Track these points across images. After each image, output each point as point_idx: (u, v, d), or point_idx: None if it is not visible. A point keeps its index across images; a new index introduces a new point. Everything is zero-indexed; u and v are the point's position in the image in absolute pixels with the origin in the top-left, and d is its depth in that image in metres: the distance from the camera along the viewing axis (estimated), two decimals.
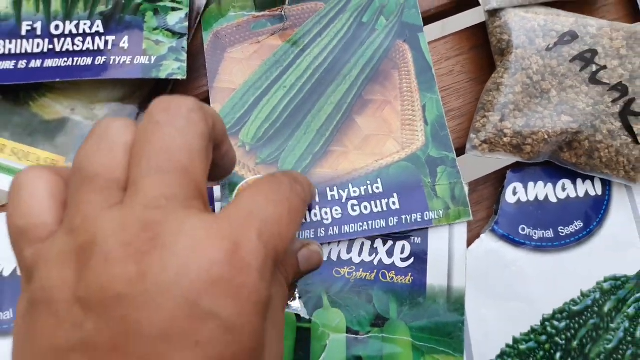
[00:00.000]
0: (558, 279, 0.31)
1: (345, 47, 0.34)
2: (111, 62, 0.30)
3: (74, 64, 0.30)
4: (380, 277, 0.30)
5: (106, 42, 0.30)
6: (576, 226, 0.32)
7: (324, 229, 0.30)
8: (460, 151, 0.33)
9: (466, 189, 0.32)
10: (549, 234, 0.32)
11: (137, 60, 0.30)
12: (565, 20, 0.33)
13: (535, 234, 0.31)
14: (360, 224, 0.31)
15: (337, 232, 0.30)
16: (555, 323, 0.30)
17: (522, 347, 0.30)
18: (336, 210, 0.31)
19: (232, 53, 0.34)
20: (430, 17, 0.37)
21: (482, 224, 0.33)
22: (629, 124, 0.32)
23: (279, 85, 0.33)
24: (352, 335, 0.29)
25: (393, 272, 0.30)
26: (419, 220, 0.31)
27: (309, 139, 0.32)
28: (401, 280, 0.30)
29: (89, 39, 0.30)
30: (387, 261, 0.30)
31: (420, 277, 0.30)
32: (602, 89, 0.32)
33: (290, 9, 0.35)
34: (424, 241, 0.31)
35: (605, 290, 0.31)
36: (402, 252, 0.31)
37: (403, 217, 0.31)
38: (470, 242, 0.31)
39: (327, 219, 0.30)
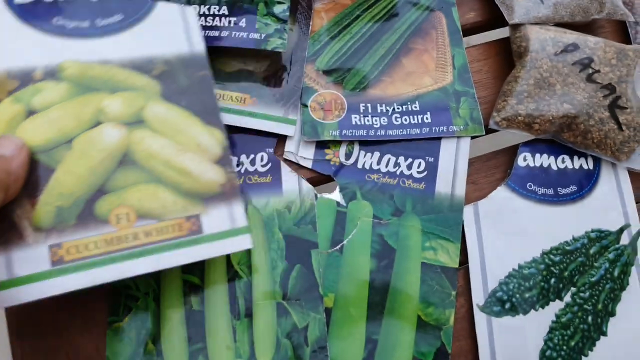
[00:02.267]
0: (555, 225, 0.40)
1: (397, 10, 0.47)
2: (232, 35, 0.41)
3: (206, 34, 0.40)
4: (401, 183, 0.40)
5: (229, 21, 0.41)
6: (571, 189, 0.41)
7: (373, 130, 0.41)
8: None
9: (481, 114, 0.43)
10: (550, 191, 0.41)
11: (251, 35, 0.41)
12: (570, 35, 0.44)
13: (539, 190, 0.41)
14: (401, 130, 0.41)
15: (384, 134, 0.41)
16: (552, 256, 0.39)
17: (525, 271, 0.39)
18: (383, 119, 0.42)
19: (317, 6, 0.46)
20: (468, 30, 0.48)
21: (499, 181, 0.42)
22: (616, 115, 0.42)
23: (347, 31, 0.45)
24: (377, 220, 0.39)
25: (410, 180, 0.40)
26: (445, 131, 0.42)
27: (367, 70, 0.44)
28: (416, 186, 0.40)
29: (217, 18, 0.41)
30: (406, 172, 0.40)
31: (431, 185, 0.40)
32: (596, 87, 0.42)
33: None
34: (436, 160, 0.41)
35: (592, 238, 0.40)
36: (418, 167, 0.41)
37: (433, 128, 0.42)
38: (489, 193, 0.41)
39: (377, 124, 0.41)
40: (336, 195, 0.40)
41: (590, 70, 0.42)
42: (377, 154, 0.41)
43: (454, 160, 0.41)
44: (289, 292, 0.36)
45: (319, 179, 0.41)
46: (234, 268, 0.36)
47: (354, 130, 0.41)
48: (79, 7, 0.37)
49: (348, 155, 0.41)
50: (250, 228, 0.37)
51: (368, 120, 0.42)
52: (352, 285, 0.37)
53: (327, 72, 0.43)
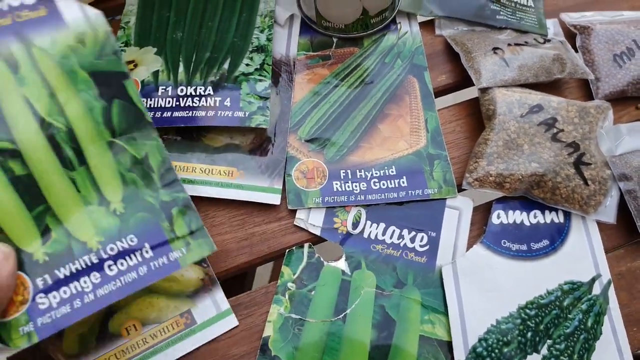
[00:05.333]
0: (530, 279, 0.42)
1: (372, 78, 0.50)
2: (219, 114, 0.43)
3: (193, 114, 0.43)
4: (404, 256, 0.42)
5: (215, 101, 0.44)
6: (544, 243, 0.44)
7: (353, 196, 0.44)
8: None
9: (454, 176, 0.46)
10: (524, 247, 0.44)
11: (236, 114, 0.44)
12: (535, 96, 0.47)
13: (513, 246, 0.43)
14: (380, 194, 0.44)
15: (363, 199, 0.44)
16: (527, 311, 0.41)
17: (503, 326, 0.41)
18: (363, 184, 0.44)
19: (297, 78, 0.49)
20: (440, 92, 0.51)
21: (476, 238, 0.45)
22: (581, 171, 0.44)
23: (326, 101, 0.48)
24: (379, 291, 0.41)
25: (413, 253, 0.42)
26: (420, 194, 0.44)
27: (345, 137, 0.47)
28: (418, 259, 0.42)
29: (203, 98, 0.44)
30: (409, 245, 0.43)
31: (432, 259, 0.43)
32: (561, 145, 0.45)
33: (335, 51, 0.51)
34: (438, 235, 0.43)
35: (565, 291, 0.43)
36: (421, 240, 0.43)
37: (409, 191, 0.44)
38: (466, 250, 0.43)
39: (357, 190, 0.44)
40: (342, 264, 0.42)
41: (555, 130, 0.45)
42: (382, 225, 0.44)
43: (454, 236, 0.44)
44: (117, 128, 0.34)
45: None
46: (46, 120, 0.32)
47: (335, 197, 0.44)
48: None
49: (355, 225, 0.44)
50: (226, 313, 0.40)
51: (348, 187, 0.44)
52: (353, 354, 0.39)
53: (309, 141, 0.46)
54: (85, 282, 0.32)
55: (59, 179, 0.32)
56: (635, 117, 0.51)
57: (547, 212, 0.45)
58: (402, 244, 0.43)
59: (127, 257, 0.33)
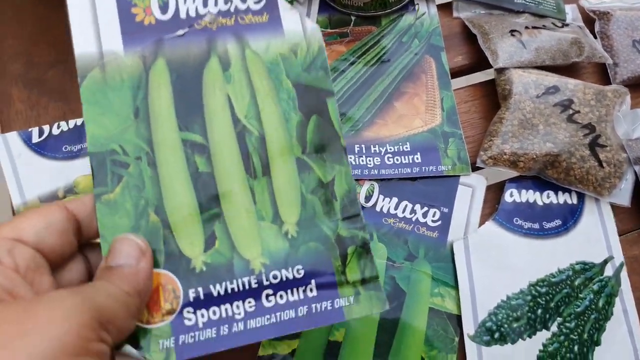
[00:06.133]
0: (541, 257, 0.42)
1: (389, 56, 0.50)
2: None
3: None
4: (415, 230, 0.42)
5: None
6: (556, 223, 0.44)
7: (367, 170, 0.44)
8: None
9: (468, 154, 0.46)
10: (536, 225, 0.43)
11: None
12: (551, 78, 0.47)
13: (525, 224, 0.43)
14: (393, 169, 0.44)
15: (377, 173, 0.44)
16: (538, 288, 0.41)
17: (513, 302, 0.41)
18: (377, 159, 0.45)
19: None
20: (456, 72, 0.51)
21: (488, 216, 0.45)
22: (596, 152, 0.44)
23: (342, 77, 0.48)
24: (390, 263, 0.41)
25: (425, 228, 0.43)
26: (434, 170, 0.45)
27: (361, 113, 0.47)
28: (430, 234, 0.42)
29: None
30: (422, 220, 0.43)
31: (443, 234, 0.43)
32: (577, 127, 0.45)
33: (353, 29, 0.51)
34: (450, 210, 0.43)
35: (576, 270, 0.42)
36: (433, 216, 0.43)
37: (423, 167, 0.44)
38: (478, 227, 0.44)
39: (370, 164, 0.44)
40: None
41: (571, 111, 0.45)
42: (395, 200, 0.44)
43: (467, 213, 0.44)
44: (308, 146, 0.31)
45: None
46: (241, 122, 0.31)
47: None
48: None
49: (368, 198, 0.44)
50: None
51: (362, 161, 0.45)
52: (363, 322, 0.40)
53: None
54: (238, 307, 0.28)
55: (239, 185, 0.30)
56: None
57: (560, 192, 0.45)
58: (414, 219, 0.43)
59: (288, 291, 0.28)
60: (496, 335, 0.40)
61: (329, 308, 0.28)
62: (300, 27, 0.33)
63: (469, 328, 0.40)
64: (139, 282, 0.25)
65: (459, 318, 0.40)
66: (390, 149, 0.45)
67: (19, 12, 0.49)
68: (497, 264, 0.42)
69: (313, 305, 0.28)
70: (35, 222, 0.24)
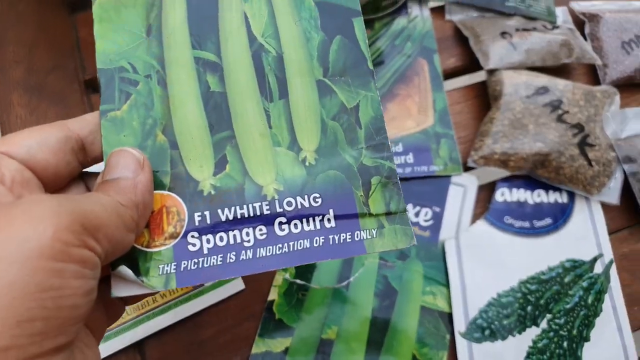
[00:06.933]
0: (531, 256, 0.43)
1: (382, 59, 0.51)
2: None
3: None
4: None
5: None
6: (547, 221, 0.45)
7: None
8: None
9: (459, 154, 0.46)
10: (526, 224, 0.44)
11: None
12: (541, 79, 0.48)
13: (515, 223, 0.44)
14: None
15: None
16: (528, 285, 0.42)
17: (503, 300, 0.41)
18: None
19: None
20: (449, 74, 0.52)
21: (480, 215, 0.45)
22: (585, 152, 0.45)
23: None
24: (383, 262, 0.42)
25: (417, 227, 0.43)
26: (426, 170, 0.45)
27: None
28: (422, 233, 0.43)
29: None
30: (414, 220, 0.44)
31: (435, 233, 0.43)
32: (566, 126, 0.46)
33: None
34: (442, 210, 0.44)
35: (566, 268, 0.43)
36: (425, 215, 0.44)
37: (415, 167, 0.45)
38: (470, 226, 0.44)
39: None
40: None
41: (560, 111, 0.46)
42: None
43: (458, 212, 0.45)
44: (331, 68, 0.29)
45: None
46: (258, 40, 0.29)
47: None
48: None
49: None
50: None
51: None
52: (355, 320, 0.40)
53: None
54: (247, 234, 0.26)
55: (254, 106, 0.28)
56: None
57: (551, 192, 0.46)
58: None
59: (304, 220, 0.26)
60: (487, 332, 0.40)
61: (348, 240, 0.26)
62: None
63: (460, 325, 0.41)
64: (136, 194, 0.23)
65: (450, 316, 0.41)
66: None
67: (20, 18, 0.50)
68: (488, 262, 0.43)
69: (330, 237, 0.26)
70: (26, 138, 0.23)
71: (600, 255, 0.44)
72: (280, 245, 0.26)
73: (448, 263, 0.42)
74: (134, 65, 0.28)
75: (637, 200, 0.45)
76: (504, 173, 0.46)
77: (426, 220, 0.44)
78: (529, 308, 0.41)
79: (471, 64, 0.52)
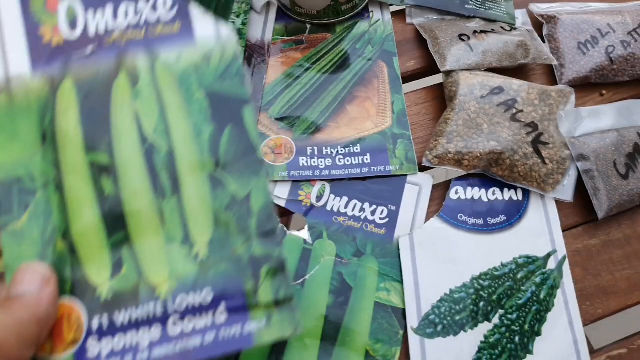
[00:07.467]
0: (484, 252, 0.44)
1: (342, 62, 0.52)
2: None
3: None
4: (364, 227, 0.44)
5: None
6: (501, 219, 0.45)
7: (318, 171, 0.46)
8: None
9: (415, 154, 0.47)
10: (480, 221, 0.45)
11: None
12: (497, 80, 0.49)
13: (469, 220, 0.45)
14: (344, 170, 0.46)
15: (328, 174, 0.46)
16: (481, 281, 0.43)
17: (456, 296, 0.42)
18: (328, 160, 0.46)
19: (271, 60, 0.52)
20: (408, 77, 0.53)
21: (435, 213, 0.46)
22: (539, 150, 0.46)
23: (298, 82, 0.50)
24: (339, 259, 0.43)
25: (373, 225, 0.44)
26: (382, 170, 0.46)
27: (314, 116, 0.49)
28: (378, 231, 0.44)
29: None
30: (370, 218, 0.44)
31: (391, 231, 0.44)
32: (520, 125, 0.46)
33: (308, 36, 0.54)
34: (397, 208, 0.45)
35: (520, 264, 0.44)
36: (381, 214, 0.45)
37: (372, 168, 0.46)
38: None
39: (322, 165, 0.46)
40: (304, 234, 0.44)
41: (514, 110, 0.47)
42: (345, 199, 0.46)
43: (414, 210, 0.46)
44: (222, 159, 0.30)
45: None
46: (149, 140, 0.30)
47: (301, 171, 0.46)
48: None
49: (319, 198, 0.46)
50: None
51: (314, 162, 0.46)
52: (310, 317, 0.41)
53: (279, 119, 0.48)
54: (143, 335, 0.27)
55: (147, 205, 0.29)
56: (599, 103, 0.53)
57: (506, 190, 0.47)
58: (362, 217, 0.45)
59: (196, 315, 0.27)
60: (439, 327, 0.41)
61: (237, 334, 0.27)
62: (213, 33, 0.32)
63: (412, 321, 0.41)
64: (40, 310, 0.24)
65: (404, 312, 0.42)
66: (342, 151, 0.47)
67: None
68: (441, 258, 0.43)
69: (220, 332, 0.27)
70: None
71: (554, 252, 0.45)
72: (174, 344, 0.27)
73: (402, 259, 0.43)
74: (32, 174, 0.28)
75: (590, 197, 0.46)
76: (460, 172, 0.47)
77: (382, 218, 0.45)
78: (482, 304, 0.42)
79: (431, 67, 0.53)
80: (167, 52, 0.31)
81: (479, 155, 0.45)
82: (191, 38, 0.31)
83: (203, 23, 0.32)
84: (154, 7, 0.32)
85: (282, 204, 0.45)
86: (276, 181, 0.45)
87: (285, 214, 0.45)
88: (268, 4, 0.54)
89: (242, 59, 0.48)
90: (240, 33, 0.50)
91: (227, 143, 0.30)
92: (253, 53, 0.51)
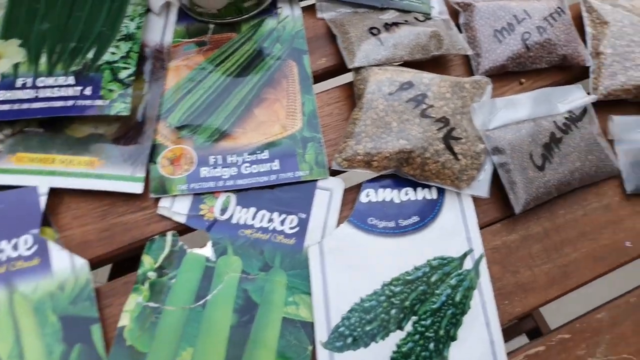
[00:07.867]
0: (396, 256, 0.42)
1: (249, 63, 0.49)
2: (77, 104, 0.43)
3: (51, 105, 0.43)
4: (272, 239, 0.42)
5: (74, 90, 0.43)
6: (413, 219, 0.43)
7: (222, 182, 0.43)
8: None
9: (325, 158, 0.45)
10: (391, 224, 0.43)
11: (96, 102, 0.43)
12: (407, 74, 0.47)
13: (379, 223, 0.43)
14: (250, 179, 0.43)
15: (232, 184, 0.43)
16: (392, 287, 0.41)
17: (366, 304, 0.40)
18: (233, 170, 0.44)
19: (171, 65, 0.48)
20: (320, 75, 0.51)
21: (345, 218, 0.44)
22: (450, 145, 0.44)
23: (199, 87, 0.47)
24: (245, 275, 0.41)
25: (282, 236, 0.42)
26: (291, 176, 0.44)
27: (218, 123, 0.46)
28: (287, 241, 0.42)
29: (63, 88, 0.43)
30: (279, 228, 0.42)
31: (300, 240, 0.42)
32: (430, 121, 0.44)
33: (211, 37, 0.51)
34: (308, 216, 0.43)
35: (433, 266, 0.42)
36: (291, 223, 0.43)
37: (280, 174, 0.44)
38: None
39: (226, 175, 0.43)
40: (207, 251, 0.41)
41: (424, 106, 0.45)
42: (252, 210, 0.43)
43: (324, 217, 0.44)
44: None
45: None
46: None
47: (202, 183, 0.43)
48: None
49: (223, 211, 0.43)
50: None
51: (217, 172, 0.44)
52: (211, 340, 0.39)
53: (179, 128, 0.45)
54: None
55: None
56: (519, 92, 0.51)
57: (419, 189, 0.45)
58: (271, 228, 0.43)
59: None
60: (349, 340, 0.39)
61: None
62: (69, 264, 0.38)
63: (322, 335, 0.39)
64: None
65: (313, 325, 0.40)
66: (248, 158, 0.45)
67: None
68: (351, 266, 0.41)
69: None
70: None
71: (471, 251, 0.43)
72: None
73: (311, 269, 0.41)
74: None
75: (507, 191, 0.45)
76: (372, 174, 0.45)
77: (292, 228, 0.43)
78: (393, 311, 0.40)
79: (343, 64, 0.51)
80: (25, 284, 0.37)
81: (388, 155, 0.43)
82: (48, 270, 0.38)
83: (59, 255, 0.39)
84: (15, 247, 0.38)
85: (182, 220, 0.42)
86: (175, 195, 0.43)
87: (185, 231, 0.43)
88: (168, 5, 0.51)
89: (134, 66, 0.45)
90: (134, 38, 0.46)
91: (76, 359, 0.36)
92: (150, 58, 0.48)
